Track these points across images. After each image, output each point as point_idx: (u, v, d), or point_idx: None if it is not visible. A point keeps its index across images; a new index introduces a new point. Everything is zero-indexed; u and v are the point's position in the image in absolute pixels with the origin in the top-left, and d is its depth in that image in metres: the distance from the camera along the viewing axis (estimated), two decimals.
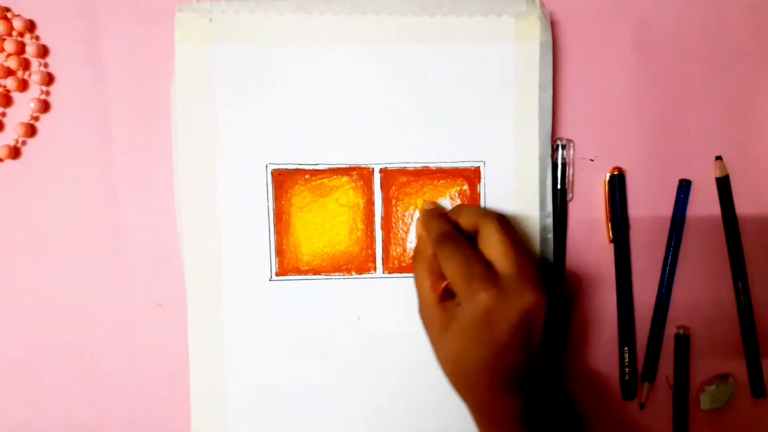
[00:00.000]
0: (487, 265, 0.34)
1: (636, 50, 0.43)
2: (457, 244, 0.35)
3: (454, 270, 0.34)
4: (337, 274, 0.42)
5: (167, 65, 0.40)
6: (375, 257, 0.42)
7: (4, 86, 0.41)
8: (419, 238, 0.39)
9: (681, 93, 0.44)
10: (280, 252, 0.41)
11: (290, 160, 0.41)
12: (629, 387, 0.44)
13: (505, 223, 0.36)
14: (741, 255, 0.44)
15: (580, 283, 0.44)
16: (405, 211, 0.42)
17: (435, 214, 0.38)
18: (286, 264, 0.41)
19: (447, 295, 0.36)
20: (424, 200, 0.41)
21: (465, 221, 0.37)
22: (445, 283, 0.36)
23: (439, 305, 0.35)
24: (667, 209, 0.44)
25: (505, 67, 0.41)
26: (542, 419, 0.35)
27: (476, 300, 0.33)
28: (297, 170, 0.41)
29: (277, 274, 0.41)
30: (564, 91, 0.43)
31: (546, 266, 0.43)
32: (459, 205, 0.41)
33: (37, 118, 0.41)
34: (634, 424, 0.45)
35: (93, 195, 0.42)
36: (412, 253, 0.42)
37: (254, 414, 0.42)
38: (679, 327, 0.45)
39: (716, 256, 0.45)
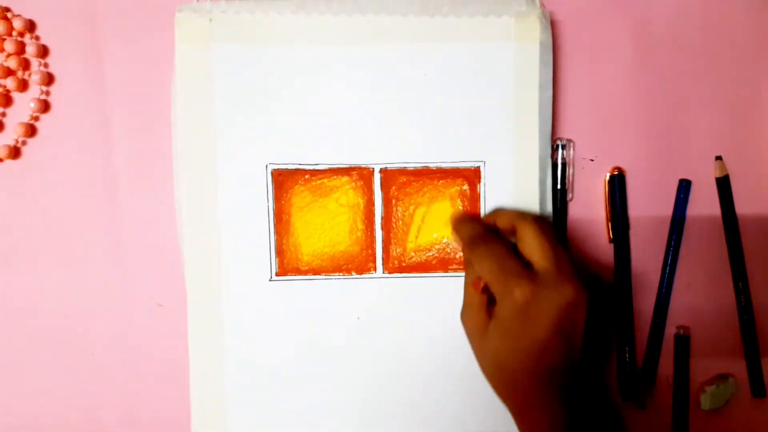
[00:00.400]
0: (526, 265, 0.34)
1: (636, 50, 0.43)
2: (490, 245, 0.35)
3: (487, 270, 0.34)
4: (337, 274, 0.42)
5: (167, 65, 0.40)
6: (375, 257, 0.42)
7: (4, 86, 0.41)
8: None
9: (681, 93, 0.44)
10: (280, 252, 0.41)
11: (290, 160, 0.41)
12: (629, 387, 0.44)
13: (544, 224, 0.36)
14: (741, 255, 0.44)
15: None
16: (405, 211, 0.42)
17: (464, 219, 0.38)
18: (286, 264, 0.41)
19: (490, 301, 0.35)
20: (454, 210, 0.42)
21: (502, 222, 0.37)
22: (483, 283, 0.35)
23: (480, 308, 0.35)
24: (667, 209, 0.44)
25: (505, 67, 0.41)
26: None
27: (512, 296, 0.33)
28: (297, 170, 0.41)
29: (277, 274, 0.41)
30: (564, 91, 0.43)
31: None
32: (497, 208, 0.41)
33: (37, 118, 0.41)
34: (634, 424, 0.45)
35: (93, 195, 0.42)
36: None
37: (254, 414, 0.42)
38: (679, 327, 0.45)
39: (716, 256, 0.45)
